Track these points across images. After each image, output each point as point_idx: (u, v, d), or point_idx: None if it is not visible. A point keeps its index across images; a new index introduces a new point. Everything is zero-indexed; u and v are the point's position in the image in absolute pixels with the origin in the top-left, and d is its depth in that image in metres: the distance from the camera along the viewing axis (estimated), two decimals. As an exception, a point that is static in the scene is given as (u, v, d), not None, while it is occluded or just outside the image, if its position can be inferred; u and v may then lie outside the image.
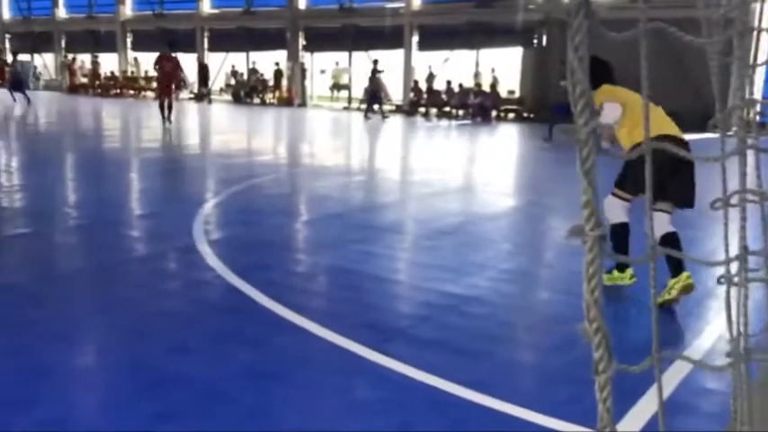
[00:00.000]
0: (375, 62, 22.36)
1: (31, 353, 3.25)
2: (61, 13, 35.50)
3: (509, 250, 5.71)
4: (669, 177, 3.97)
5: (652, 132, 3.71)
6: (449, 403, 2.89)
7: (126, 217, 6.74)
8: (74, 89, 32.42)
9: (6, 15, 37.93)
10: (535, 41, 22.93)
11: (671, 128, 4.20)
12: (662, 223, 4.10)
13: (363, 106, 22.27)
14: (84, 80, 32.88)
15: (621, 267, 4.48)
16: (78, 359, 3.32)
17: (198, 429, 2.61)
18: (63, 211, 6.90)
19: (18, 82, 22.89)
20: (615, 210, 4.31)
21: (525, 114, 22.97)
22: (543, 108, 21.86)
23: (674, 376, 3.11)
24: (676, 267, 4.04)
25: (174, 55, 16.25)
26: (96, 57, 32.76)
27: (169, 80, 16.10)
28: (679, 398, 2.97)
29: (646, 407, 2.74)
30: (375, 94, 21.84)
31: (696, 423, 2.80)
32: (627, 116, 4.17)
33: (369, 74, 22.21)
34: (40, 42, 35.85)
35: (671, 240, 4.03)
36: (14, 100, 21.96)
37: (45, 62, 36.58)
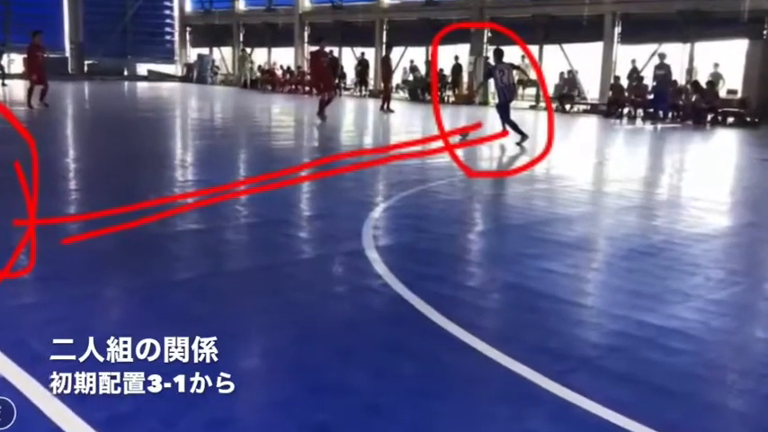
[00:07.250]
0: None
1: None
2: (241, 5, 38.32)
3: (721, 278, 5.34)
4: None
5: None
6: (638, 448, 2.77)
7: (296, 217, 7.15)
8: (252, 85, 34.97)
9: (188, 8, 41.58)
10: (765, 33, 21.25)
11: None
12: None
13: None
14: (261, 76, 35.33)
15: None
16: (243, 360, 3.57)
17: (357, 444, 2.71)
18: (234, 207, 7.43)
19: None
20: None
21: (749, 119, 21.29)
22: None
23: None
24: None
25: None
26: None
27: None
28: None
29: None
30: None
31: None
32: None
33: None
34: (219, 36, 38.95)
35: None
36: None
37: (223, 56, 39.62)
